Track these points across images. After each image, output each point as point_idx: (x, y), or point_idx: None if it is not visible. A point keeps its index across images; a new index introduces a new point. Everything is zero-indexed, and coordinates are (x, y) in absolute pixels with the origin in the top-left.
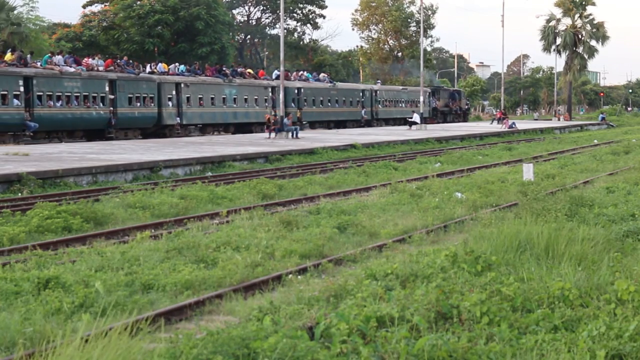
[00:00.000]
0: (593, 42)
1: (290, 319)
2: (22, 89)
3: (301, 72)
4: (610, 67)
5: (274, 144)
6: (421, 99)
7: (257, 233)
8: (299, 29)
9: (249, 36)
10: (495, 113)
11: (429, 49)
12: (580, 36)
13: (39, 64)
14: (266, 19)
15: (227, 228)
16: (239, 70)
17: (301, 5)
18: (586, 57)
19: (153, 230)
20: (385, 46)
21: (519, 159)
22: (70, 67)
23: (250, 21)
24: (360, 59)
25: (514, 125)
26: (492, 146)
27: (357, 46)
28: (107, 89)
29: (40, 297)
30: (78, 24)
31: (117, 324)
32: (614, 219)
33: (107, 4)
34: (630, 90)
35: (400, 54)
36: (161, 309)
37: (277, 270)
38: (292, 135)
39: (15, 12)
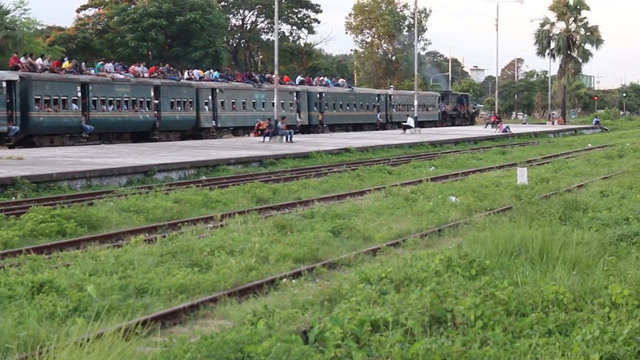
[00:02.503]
0: (587, 46)
1: (284, 323)
2: (79, 94)
3: (322, 77)
4: (604, 71)
5: (268, 147)
6: (415, 102)
7: (251, 237)
8: (293, 34)
9: (243, 40)
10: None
11: (422, 52)
12: (574, 40)
13: (92, 71)
14: (261, 22)
15: (221, 232)
16: (266, 76)
17: (296, 10)
18: (580, 61)
19: (147, 234)
20: (379, 50)
21: (513, 163)
22: (120, 74)
23: (245, 25)
24: (355, 62)
25: (508, 129)
26: (486, 150)
27: (351, 50)
28: (152, 94)
29: (34, 301)
30: (72, 27)
31: (111, 328)
32: (608, 222)
33: (101, 7)
34: (625, 94)
35: (394, 57)
36: (155, 312)
37: (271, 274)
38: (286, 139)
39: (9, 15)
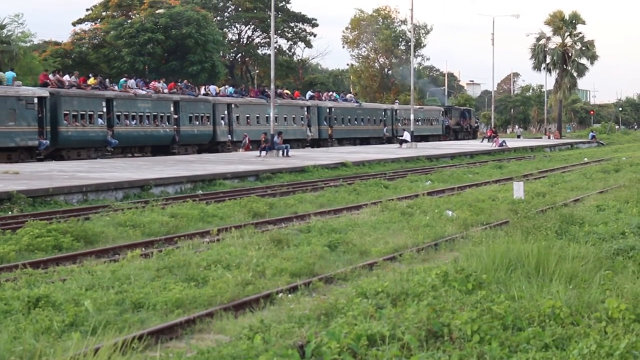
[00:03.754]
0: (583, 61)
1: (280, 338)
2: (104, 109)
3: (331, 92)
4: (600, 85)
5: (264, 162)
6: (411, 117)
7: (247, 251)
8: (291, 48)
9: (239, 55)
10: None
11: (419, 67)
12: (570, 54)
13: (115, 87)
14: (257, 37)
15: (217, 246)
16: (278, 91)
17: (292, 25)
18: (576, 75)
19: (143, 249)
20: (375, 64)
21: (509, 177)
22: (141, 89)
23: (242, 40)
24: (351, 77)
25: (504, 144)
26: (483, 164)
27: (347, 64)
28: (172, 109)
29: (30, 316)
30: (68, 41)
31: (108, 342)
32: (604, 237)
33: (97, 22)
34: (621, 109)
35: (390, 71)
36: (152, 327)
37: (268, 289)
38: (283, 154)
39: (5, 30)
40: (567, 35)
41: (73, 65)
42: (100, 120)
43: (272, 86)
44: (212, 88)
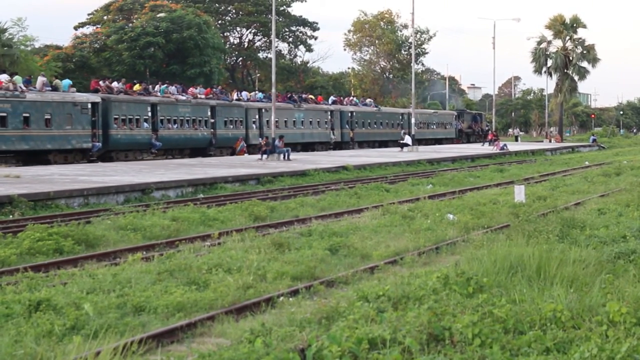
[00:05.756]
0: (584, 64)
1: (281, 341)
2: (149, 114)
3: (351, 97)
4: (601, 89)
5: (265, 165)
6: (412, 120)
7: (248, 255)
8: (290, 51)
9: (240, 58)
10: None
11: (420, 71)
12: (570, 58)
13: (158, 93)
14: (258, 41)
15: (218, 250)
16: (303, 96)
17: (294, 28)
18: (577, 79)
19: (144, 252)
20: (377, 67)
21: (510, 181)
22: (181, 95)
23: (243, 43)
24: (352, 80)
25: (505, 147)
26: (484, 168)
27: (348, 68)
28: (209, 113)
29: (31, 320)
30: (70, 45)
31: (109, 346)
32: (605, 240)
33: (98, 26)
34: (622, 112)
35: (391, 75)
36: (152, 331)
37: (269, 292)
38: (284, 157)
39: (7, 33)
40: (568, 39)
41: (74, 69)
42: (145, 124)
43: (273, 89)
44: (244, 94)
